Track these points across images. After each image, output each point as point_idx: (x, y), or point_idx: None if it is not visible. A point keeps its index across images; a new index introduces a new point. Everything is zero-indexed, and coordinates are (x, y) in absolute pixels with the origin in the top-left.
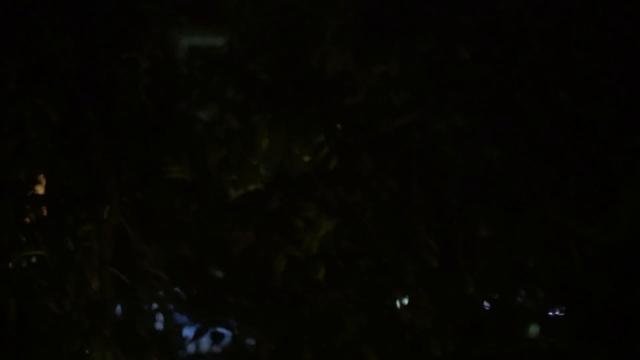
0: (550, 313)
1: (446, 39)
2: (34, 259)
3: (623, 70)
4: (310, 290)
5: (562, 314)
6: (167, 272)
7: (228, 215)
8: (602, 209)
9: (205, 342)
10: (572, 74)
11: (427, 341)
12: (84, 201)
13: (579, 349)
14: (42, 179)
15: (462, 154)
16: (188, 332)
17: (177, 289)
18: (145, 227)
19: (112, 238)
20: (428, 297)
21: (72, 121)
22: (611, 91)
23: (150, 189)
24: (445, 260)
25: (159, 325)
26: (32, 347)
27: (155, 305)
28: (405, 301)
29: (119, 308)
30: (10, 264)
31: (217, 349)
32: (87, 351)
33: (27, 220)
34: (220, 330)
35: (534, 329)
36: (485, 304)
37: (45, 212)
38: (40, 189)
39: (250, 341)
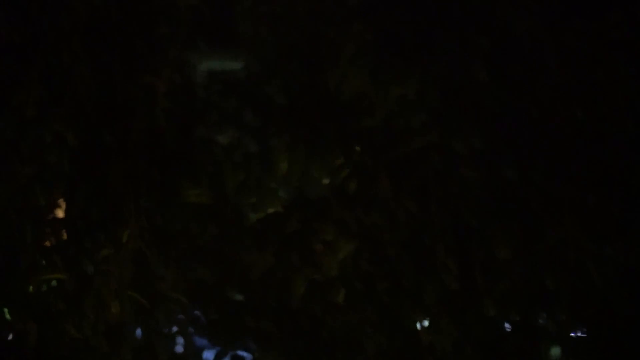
0: (572, 334)
1: (463, 60)
2: (54, 282)
3: None
4: (330, 312)
5: (583, 335)
6: (186, 295)
7: (247, 239)
8: (621, 228)
9: None
10: (590, 93)
11: None
12: (103, 225)
13: None
14: (62, 202)
15: (480, 175)
16: (208, 355)
17: (196, 312)
18: (164, 250)
19: (131, 262)
20: (447, 319)
21: (91, 145)
22: (630, 110)
23: (168, 213)
24: (464, 281)
25: (179, 349)
26: None
27: (175, 329)
28: (425, 323)
29: (138, 331)
30: (31, 288)
31: None
32: None
33: (47, 244)
34: (241, 353)
35: (555, 351)
36: (506, 325)
37: (65, 236)
38: (60, 213)
39: None
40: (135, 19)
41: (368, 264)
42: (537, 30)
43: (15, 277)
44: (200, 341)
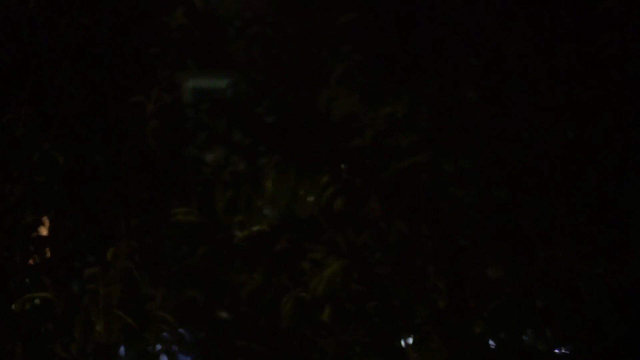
0: (561, 352)
1: (453, 80)
2: (36, 301)
3: (631, 110)
4: (319, 332)
5: (573, 355)
6: (174, 315)
7: (235, 258)
8: (612, 248)
9: None
10: (580, 113)
11: None
12: (91, 245)
13: None
14: (46, 220)
15: (470, 195)
16: None
17: (183, 331)
18: (152, 270)
19: (119, 281)
20: (438, 339)
21: (80, 165)
22: (620, 131)
23: (158, 232)
24: (454, 301)
25: None
26: None
27: (159, 347)
28: (412, 342)
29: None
30: (14, 306)
31: None
32: None
33: (31, 262)
34: None
35: None
36: (496, 344)
37: (48, 254)
38: (43, 231)
39: None
40: (125, 40)
41: (357, 284)
42: (527, 50)
43: (4, 296)
44: None
